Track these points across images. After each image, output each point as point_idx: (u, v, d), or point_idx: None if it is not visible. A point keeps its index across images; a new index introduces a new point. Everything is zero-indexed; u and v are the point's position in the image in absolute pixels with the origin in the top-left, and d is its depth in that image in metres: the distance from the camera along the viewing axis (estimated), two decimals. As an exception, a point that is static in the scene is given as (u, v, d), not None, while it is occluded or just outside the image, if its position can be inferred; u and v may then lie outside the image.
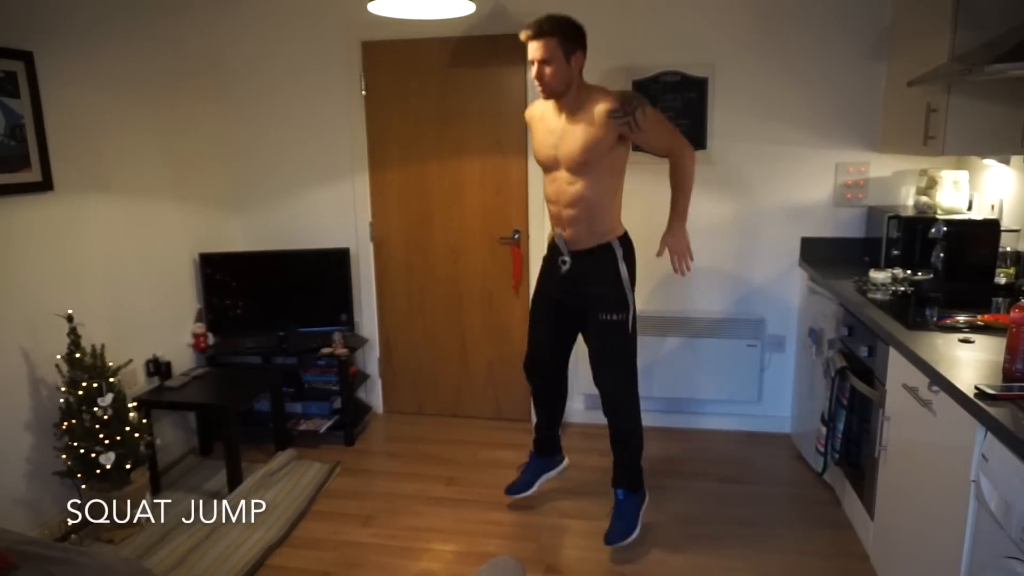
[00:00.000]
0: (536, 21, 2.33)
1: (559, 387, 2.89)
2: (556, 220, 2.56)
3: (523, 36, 2.36)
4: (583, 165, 2.40)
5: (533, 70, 2.35)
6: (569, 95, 2.41)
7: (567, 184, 2.46)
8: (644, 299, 3.59)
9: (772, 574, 2.47)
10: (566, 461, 3.00)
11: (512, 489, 2.90)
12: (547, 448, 2.94)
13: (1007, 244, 2.65)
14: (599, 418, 2.73)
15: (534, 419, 2.97)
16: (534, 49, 2.33)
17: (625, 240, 2.58)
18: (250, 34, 3.68)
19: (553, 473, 2.96)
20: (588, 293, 2.54)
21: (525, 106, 3.48)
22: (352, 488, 3.14)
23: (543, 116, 2.53)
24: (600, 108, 2.33)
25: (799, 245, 3.42)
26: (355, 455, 3.49)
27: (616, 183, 2.50)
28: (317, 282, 3.64)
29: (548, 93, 2.41)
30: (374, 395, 3.98)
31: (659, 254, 2.47)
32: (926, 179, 3.11)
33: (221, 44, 3.68)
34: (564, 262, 2.55)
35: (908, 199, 3.27)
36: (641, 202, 3.52)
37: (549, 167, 2.52)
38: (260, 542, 2.64)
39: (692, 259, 2.49)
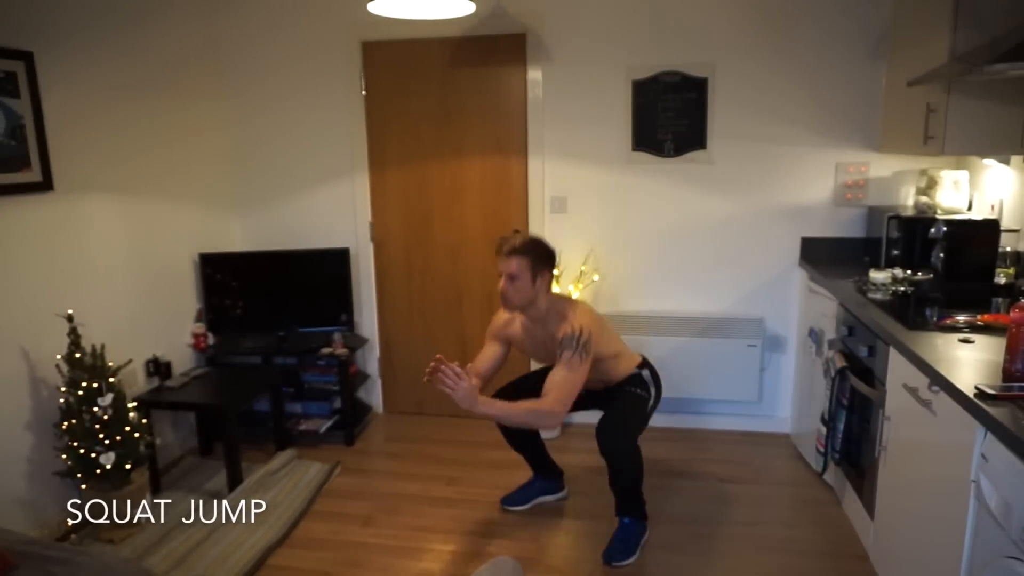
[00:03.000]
0: (512, 240, 2.44)
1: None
2: None
3: (497, 250, 2.46)
4: None
5: (500, 283, 2.44)
6: (534, 310, 2.50)
7: None
8: (644, 299, 3.60)
9: (772, 574, 2.47)
10: (565, 492, 3.00)
11: (508, 500, 2.93)
12: (545, 471, 2.96)
13: (1007, 244, 2.65)
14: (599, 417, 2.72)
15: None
16: (504, 263, 2.42)
17: (646, 364, 2.70)
18: (250, 35, 3.68)
19: (551, 498, 2.96)
20: (617, 385, 2.66)
21: (525, 106, 3.51)
22: (352, 488, 3.14)
23: (523, 326, 2.60)
24: (558, 333, 2.43)
25: (799, 245, 3.42)
26: (355, 455, 3.49)
27: (613, 352, 2.59)
28: (317, 282, 3.64)
29: (508, 307, 2.51)
30: (374, 395, 3.99)
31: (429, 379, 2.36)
32: (926, 179, 3.11)
33: (221, 44, 3.68)
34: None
35: (908, 199, 3.27)
36: (641, 201, 3.53)
37: (544, 361, 2.63)
38: (260, 542, 2.64)
39: (450, 390, 2.34)
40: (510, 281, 2.42)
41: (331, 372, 3.68)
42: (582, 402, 2.68)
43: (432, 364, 2.29)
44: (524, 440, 2.88)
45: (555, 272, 2.58)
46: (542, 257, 2.45)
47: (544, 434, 2.97)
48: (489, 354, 2.67)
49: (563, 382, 2.39)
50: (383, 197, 3.76)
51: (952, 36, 2.37)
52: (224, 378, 3.41)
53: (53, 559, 1.74)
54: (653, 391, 2.66)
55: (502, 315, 2.67)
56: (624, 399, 2.61)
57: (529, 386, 2.63)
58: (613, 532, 2.59)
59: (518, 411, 2.40)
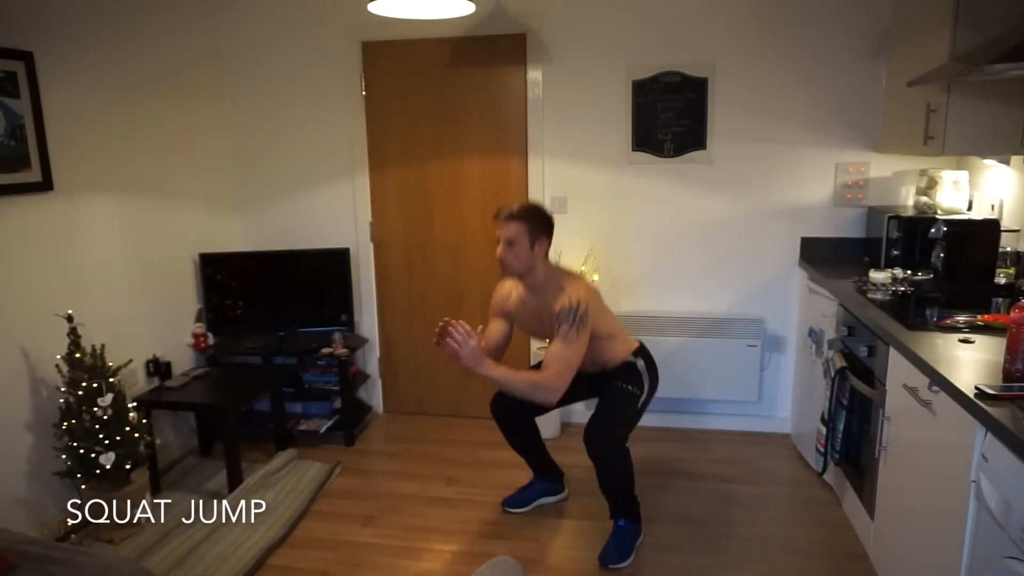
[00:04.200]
0: (510, 206, 2.44)
1: (529, 425, 2.85)
2: None
3: (495, 216, 2.46)
4: None
5: (498, 248, 2.44)
6: (532, 279, 2.49)
7: None
8: (644, 299, 3.60)
9: (772, 574, 2.47)
10: (565, 493, 2.99)
11: (508, 502, 2.93)
12: (546, 472, 2.95)
13: (1007, 244, 2.65)
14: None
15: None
16: (502, 228, 2.43)
17: (642, 351, 2.68)
18: (250, 34, 3.68)
19: (551, 500, 2.96)
20: (609, 374, 2.63)
21: (525, 106, 3.50)
22: (352, 488, 3.14)
23: (520, 298, 2.59)
24: (554, 305, 2.42)
25: (799, 245, 3.42)
26: (355, 455, 3.49)
27: (608, 332, 2.57)
28: (317, 282, 3.64)
29: (506, 273, 2.51)
30: (374, 395, 3.99)
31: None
32: (926, 179, 3.11)
33: (221, 44, 3.68)
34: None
35: (908, 199, 3.27)
36: (641, 201, 3.53)
37: (541, 336, 2.62)
38: (260, 542, 2.64)
39: (457, 346, 2.30)
40: (508, 247, 2.41)
41: (331, 372, 3.68)
42: (576, 390, 2.65)
43: (441, 324, 2.28)
44: (525, 441, 2.87)
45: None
46: (540, 223, 2.44)
47: (544, 434, 2.97)
48: (494, 330, 2.66)
49: (561, 356, 2.38)
50: (383, 197, 3.76)
51: (952, 36, 2.37)
52: (224, 378, 3.41)
53: (53, 559, 1.74)
54: (647, 384, 2.62)
55: (500, 290, 2.67)
56: (615, 397, 2.58)
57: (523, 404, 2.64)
58: (609, 534, 2.59)
59: (520, 380, 2.40)
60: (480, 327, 2.39)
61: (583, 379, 2.59)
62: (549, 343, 2.50)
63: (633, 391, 2.59)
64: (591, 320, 2.42)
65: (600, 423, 2.53)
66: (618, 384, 2.60)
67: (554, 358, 2.39)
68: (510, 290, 2.63)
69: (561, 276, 2.52)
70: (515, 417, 2.79)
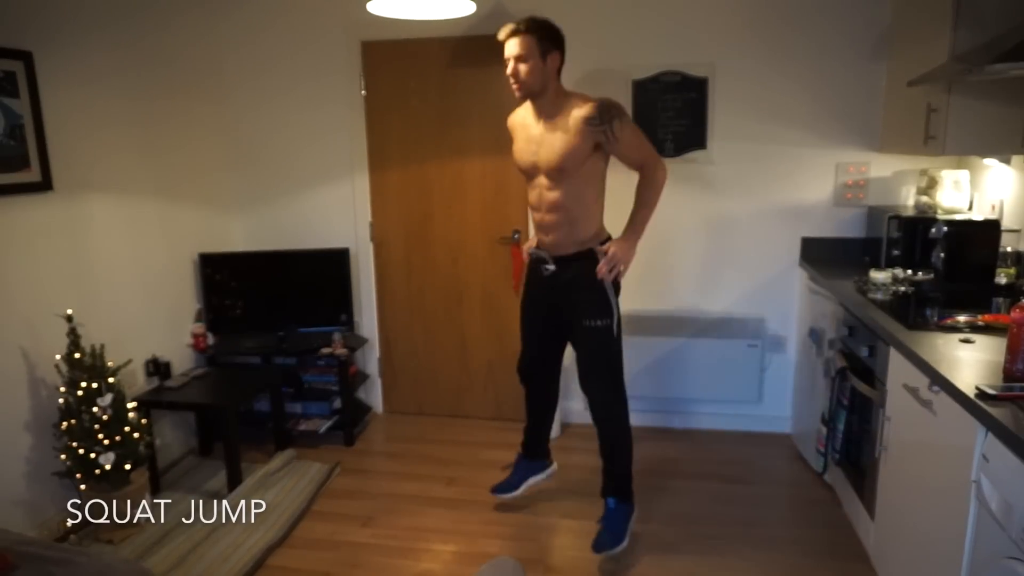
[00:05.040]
0: (514, 22, 2.34)
1: (550, 391, 2.89)
2: (539, 227, 2.56)
3: (500, 35, 2.35)
4: (561, 172, 2.39)
5: (509, 68, 2.35)
6: (546, 99, 2.40)
7: (547, 190, 2.46)
8: (644, 299, 3.60)
9: (772, 574, 2.47)
10: (554, 466, 3.00)
11: (498, 489, 2.91)
12: (535, 451, 2.95)
13: (1007, 244, 2.65)
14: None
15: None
16: (511, 46, 2.33)
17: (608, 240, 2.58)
18: (250, 34, 3.67)
19: (541, 477, 2.96)
20: (572, 300, 2.54)
21: (525, 106, 3.50)
22: (352, 488, 3.14)
23: (524, 123, 2.53)
24: (577, 115, 2.32)
25: (799, 245, 3.42)
26: (355, 455, 3.49)
27: (596, 190, 2.48)
28: (317, 282, 3.64)
29: (524, 92, 2.40)
30: (374, 395, 3.98)
31: (602, 253, 2.42)
32: (926, 179, 3.11)
33: (221, 44, 3.68)
34: (548, 269, 2.56)
35: (908, 199, 3.27)
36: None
37: (530, 174, 2.52)
38: (260, 542, 2.64)
39: (623, 275, 2.42)
40: (519, 62, 2.31)
41: (331, 372, 3.68)
42: (550, 345, 2.73)
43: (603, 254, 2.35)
44: (546, 402, 2.89)
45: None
46: (549, 35, 2.32)
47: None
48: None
49: (639, 143, 2.37)
50: (383, 197, 3.76)
51: (952, 36, 2.36)
52: (224, 378, 3.41)
53: (53, 559, 1.74)
54: (613, 300, 2.48)
55: (513, 116, 2.59)
56: (588, 341, 2.51)
57: (541, 359, 2.75)
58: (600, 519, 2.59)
59: (649, 202, 2.40)
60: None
61: (552, 318, 2.62)
62: (544, 180, 2.44)
63: (602, 324, 2.48)
64: (606, 158, 2.39)
65: (587, 370, 2.54)
66: (585, 323, 2.49)
67: (637, 147, 2.37)
68: (524, 116, 2.52)
69: (579, 95, 2.38)
70: (542, 378, 2.83)
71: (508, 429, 3.69)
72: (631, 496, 2.63)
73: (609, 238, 2.54)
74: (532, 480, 2.94)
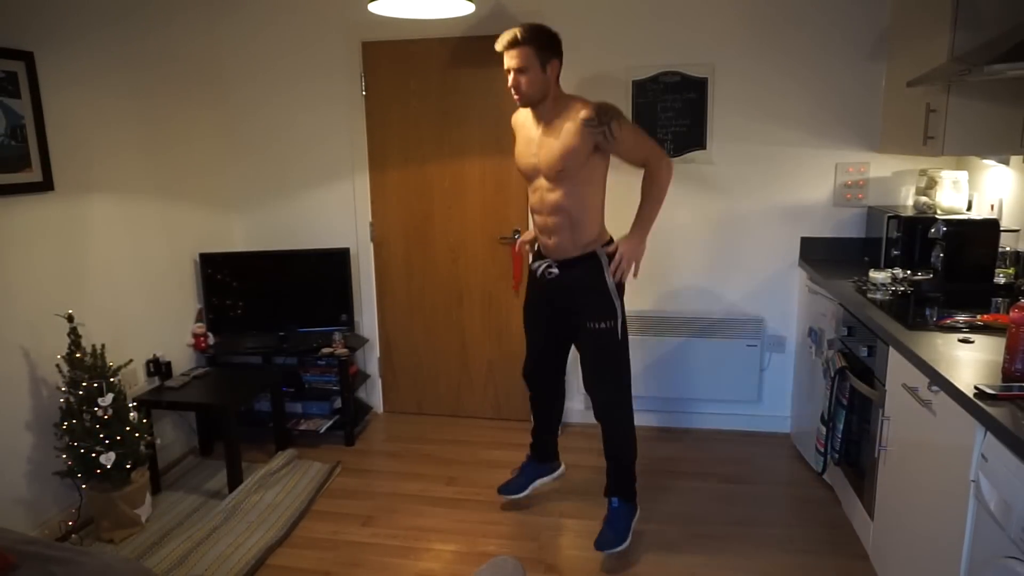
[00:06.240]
0: (510, 31, 2.33)
1: (556, 393, 2.89)
2: (541, 229, 2.56)
3: (499, 46, 2.35)
4: (561, 173, 2.40)
5: (509, 79, 2.36)
6: (546, 104, 2.41)
7: (547, 192, 2.46)
8: (644, 299, 3.60)
9: (772, 574, 2.47)
10: (562, 468, 3.01)
11: (505, 489, 2.91)
12: (544, 453, 2.95)
13: (1007, 244, 2.66)
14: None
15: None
16: (510, 58, 2.33)
17: (610, 243, 2.58)
18: (250, 34, 3.68)
19: (548, 479, 2.96)
20: (576, 302, 2.53)
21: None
22: (352, 488, 3.14)
23: (524, 124, 2.54)
24: (576, 117, 2.32)
25: (799, 245, 3.43)
26: (355, 455, 3.49)
27: (596, 192, 2.47)
28: (317, 282, 3.64)
29: (524, 102, 2.42)
30: (374, 395, 3.99)
31: (612, 251, 2.43)
32: (926, 179, 3.11)
33: (221, 44, 3.68)
34: (551, 272, 2.56)
35: (908, 199, 3.28)
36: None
37: (530, 176, 2.53)
38: (261, 542, 2.64)
39: (637, 274, 2.43)
40: (519, 74, 2.32)
41: (331, 372, 3.68)
42: (554, 347, 2.73)
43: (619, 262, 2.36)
44: (551, 404, 2.89)
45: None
46: (548, 43, 2.33)
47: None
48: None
49: (640, 142, 2.39)
50: (383, 197, 3.76)
51: (952, 36, 2.37)
52: (224, 378, 3.41)
53: (54, 559, 1.74)
54: (617, 302, 2.47)
55: (516, 117, 2.59)
56: (593, 344, 2.51)
57: (546, 362, 2.74)
58: (604, 518, 2.60)
59: (654, 199, 2.40)
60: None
61: (555, 320, 2.63)
62: (545, 182, 2.44)
63: (607, 327, 2.47)
64: (606, 159, 2.40)
65: (592, 372, 2.54)
66: (590, 326, 2.49)
67: (638, 145, 2.38)
68: (526, 120, 2.53)
69: (577, 98, 2.39)
70: (547, 381, 2.84)
71: (508, 429, 3.70)
72: (635, 496, 2.64)
73: (611, 240, 2.54)
74: (540, 481, 2.95)
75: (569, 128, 2.34)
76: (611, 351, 2.52)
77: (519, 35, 2.30)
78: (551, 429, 2.94)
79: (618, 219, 3.56)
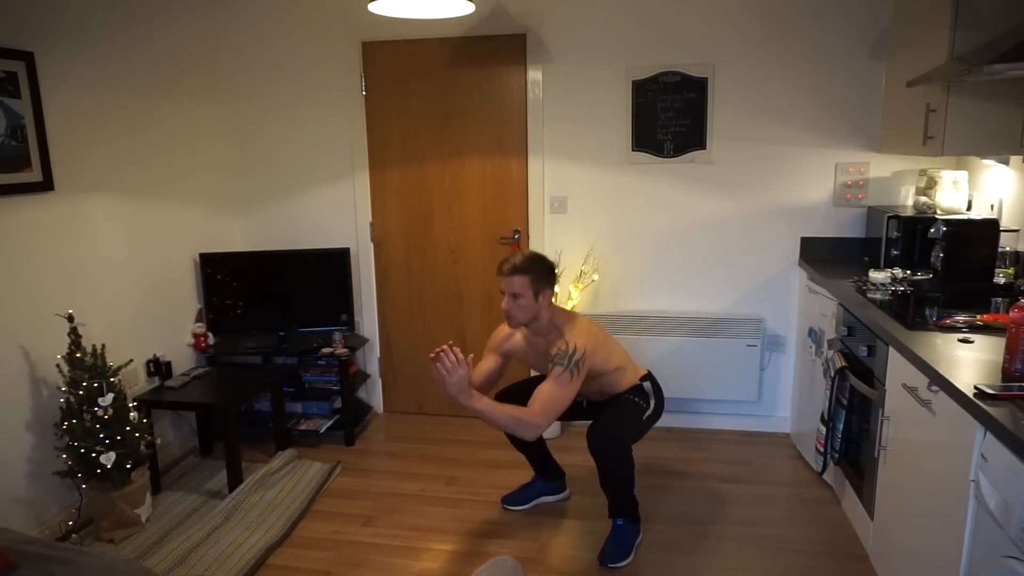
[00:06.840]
0: (513, 259, 2.45)
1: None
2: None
3: (502, 270, 2.47)
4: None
5: (503, 301, 2.47)
6: (535, 325, 2.52)
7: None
8: (644, 298, 3.61)
9: (772, 574, 2.47)
10: (567, 492, 3.00)
11: (508, 500, 2.93)
12: (546, 471, 2.96)
13: (1006, 244, 2.66)
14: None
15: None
16: (507, 283, 2.44)
17: (650, 377, 2.70)
18: (250, 35, 3.68)
19: (552, 499, 2.96)
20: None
21: (525, 106, 3.51)
22: (352, 488, 3.14)
23: (525, 339, 2.62)
24: (551, 350, 2.46)
25: (799, 245, 3.43)
26: (355, 455, 3.49)
27: (612, 368, 2.58)
28: (317, 282, 3.64)
29: (512, 324, 2.53)
30: (374, 395, 3.99)
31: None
32: (925, 179, 3.11)
33: (222, 44, 3.68)
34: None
35: (908, 199, 3.28)
36: (641, 201, 3.53)
37: (544, 371, 2.62)
38: (261, 541, 2.64)
39: (446, 372, 2.31)
40: (513, 299, 2.44)
41: (331, 372, 3.68)
42: (582, 411, 2.72)
43: (441, 348, 2.29)
44: (528, 443, 2.86)
45: (556, 289, 2.58)
46: (543, 274, 2.47)
47: (545, 434, 2.96)
48: (485, 367, 2.67)
49: (550, 396, 2.39)
50: (383, 197, 3.76)
51: (952, 36, 2.37)
52: (224, 378, 3.41)
53: (54, 558, 1.74)
54: (653, 402, 2.65)
55: (504, 329, 2.68)
56: (619, 405, 2.61)
57: (529, 391, 2.63)
58: (608, 534, 2.60)
59: (503, 414, 2.38)
60: (471, 356, 2.39)
61: (590, 405, 2.68)
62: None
63: (639, 403, 2.62)
64: (590, 361, 2.45)
65: (603, 423, 2.53)
66: (624, 396, 2.62)
67: (543, 396, 2.39)
68: (514, 332, 2.65)
69: (564, 319, 2.53)
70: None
71: (508, 429, 3.70)
72: (638, 517, 2.65)
73: (648, 373, 2.70)
74: (543, 500, 2.95)
75: (548, 355, 2.48)
76: (634, 420, 2.59)
77: (519, 264, 2.43)
78: (538, 451, 2.91)
79: (627, 219, 3.58)
